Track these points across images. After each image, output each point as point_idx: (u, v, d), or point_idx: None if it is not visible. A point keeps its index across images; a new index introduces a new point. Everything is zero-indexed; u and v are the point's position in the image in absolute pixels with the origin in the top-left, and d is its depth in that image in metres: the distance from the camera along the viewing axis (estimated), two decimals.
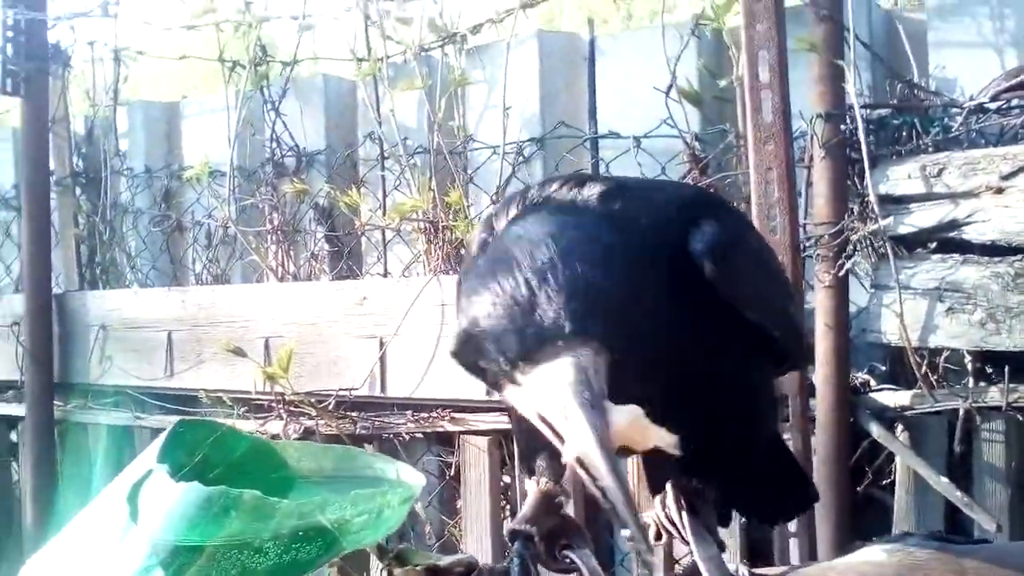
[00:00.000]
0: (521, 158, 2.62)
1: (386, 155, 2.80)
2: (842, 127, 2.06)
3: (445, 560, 0.97)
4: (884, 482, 2.11)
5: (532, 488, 1.11)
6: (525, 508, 1.10)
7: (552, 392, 0.83)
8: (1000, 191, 1.93)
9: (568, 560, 1.05)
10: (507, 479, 2.61)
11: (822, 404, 2.04)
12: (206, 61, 3.12)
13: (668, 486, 1.15)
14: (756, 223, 1.95)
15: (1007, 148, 1.96)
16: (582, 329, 0.83)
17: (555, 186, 1.05)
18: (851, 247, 2.04)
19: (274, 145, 3.00)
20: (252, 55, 2.94)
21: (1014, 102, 2.00)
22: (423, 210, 2.58)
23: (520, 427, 1.11)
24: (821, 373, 2.04)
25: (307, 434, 2.78)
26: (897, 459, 2.08)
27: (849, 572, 0.96)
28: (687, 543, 1.09)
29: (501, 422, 2.51)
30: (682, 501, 1.12)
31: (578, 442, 0.82)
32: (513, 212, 1.05)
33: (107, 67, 3.38)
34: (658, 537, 1.15)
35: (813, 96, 2.09)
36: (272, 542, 0.90)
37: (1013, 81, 1.98)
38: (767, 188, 1.90)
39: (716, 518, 1.14)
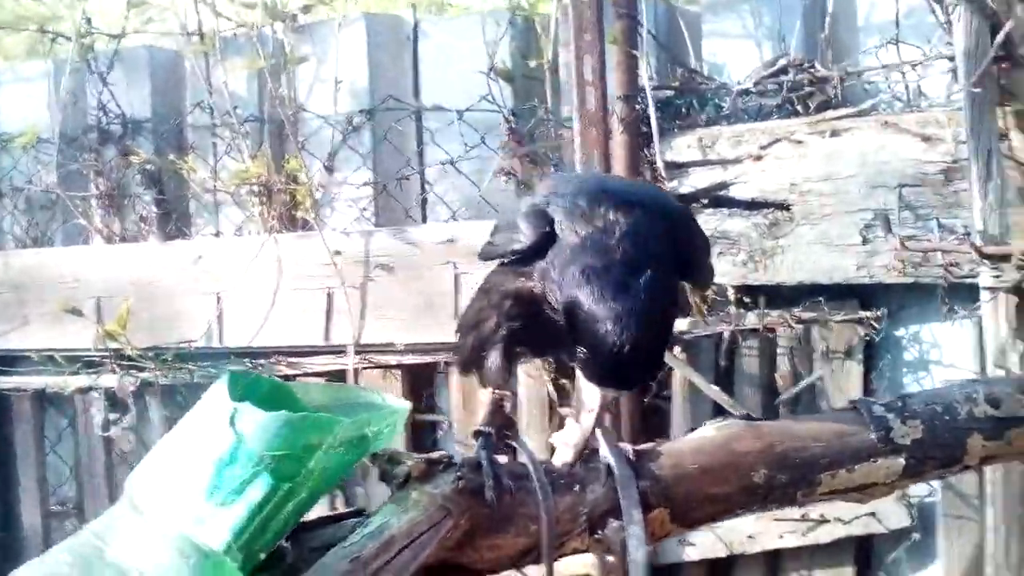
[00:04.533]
0: (351, 127, 2.89)
1: (218, 123, 2.99)
2: (636, 107, 2.49)
3: (435, 455, 1.29)
4: (665, 393, 2.56)
5: (486, 396, 1.42)
6: (484, 412, 1.42)
7: None
8: (759, 158, 2.42)
9: (510, 447, 1.40)
10: None
11: None
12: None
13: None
14: None
15: (765, 124, 2.45)
16: None
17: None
18: None
19: (100, 113, 3.10)
20: (78, 27, 3.04)
21: (770, 86, 2.49)
22: (261, 175, 2.80)
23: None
24: None
25: (145, 386, 2.94)
26: (675, 373, 2.53)
27: (694, 443, 1.36)
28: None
29: (336, 363, 2.79)
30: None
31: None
32: None
33: None
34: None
35: (614, 81, 2.50)
36: (336, 446, 1.25)
37: (770, 70, 2.47)
38: (590, 165, 2.31)
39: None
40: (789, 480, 1.34)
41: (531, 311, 1.34)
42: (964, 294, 2.28)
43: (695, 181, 2.48)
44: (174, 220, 3.08)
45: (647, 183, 1.39)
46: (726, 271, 2.44)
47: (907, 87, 2.39)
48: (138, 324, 2.91)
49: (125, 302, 2.86)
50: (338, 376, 2.80)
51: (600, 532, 1.29)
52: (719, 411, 2.48)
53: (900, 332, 2.39)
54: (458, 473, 1.24)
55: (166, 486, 1.25)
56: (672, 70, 2.60)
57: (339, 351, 2.77)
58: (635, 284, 1.18)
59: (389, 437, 1.33)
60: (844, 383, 2.40)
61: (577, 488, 1.29)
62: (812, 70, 2.42)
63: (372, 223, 2.89)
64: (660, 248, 1.26)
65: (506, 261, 1.34)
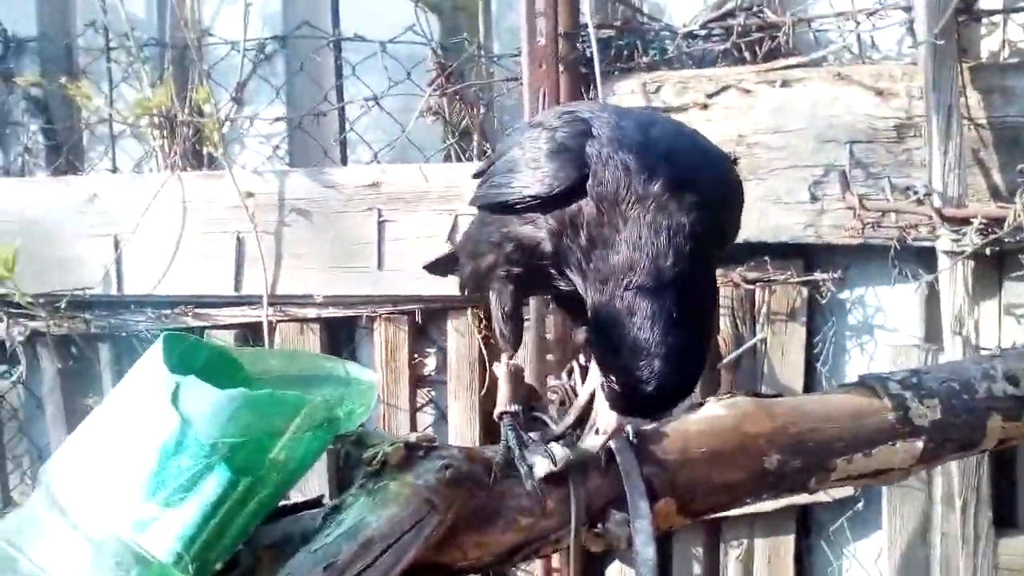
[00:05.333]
0: (262, 56, 2.65)
1: (114, 46, 2.71)
2: (577, 45, 2.31)
3: (413, 437, 1.11)
4: None
5: (502, 371, 1.26)
6: (503, 390, 1.26)
7: None
8: (705, 107, 2.28)
9: (538, 419, 1.25)
10: None
11: None
12: None
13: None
14: None
15: (712, 70, 2.31)
16: None
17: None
18: None
19: None
20: None
21: (716, 30, 2.34)
22: (164, 106, 2.55)
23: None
24: None
25: (35, 335, 2.70)
26: None
27: (702, 423, 1.24)
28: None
29: (248, 315, 2.59)
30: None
31: None
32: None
33: None
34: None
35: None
36: (304, 430, 1.06)
37: (717, 12, 2.31)
38: (538, 105, 2.13)
39: None
40: (803, 466, 1.24)
41: (534, 263, 1.19)
42: (910, 257, 2.20)
43: None
44: (64, 153, 2.80)
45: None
46: None
47: (859, 38, 2.27)
48: (27, 268, 2.63)
49: (12, 243, 2.60)
50: (253, 329, 2.61)
51: (601, 526, 1.17)
52: None
53: (844, 295, 2.30)
54: (445, 461, 1.09)
55: (96, 480, 1.04)
56: (613, 9, 2.42)
57: (251, 302, 2.57)
58: (687, 317, 1.02)
59: (361, 417, 1.15)
60: (787, 345, 2.31)
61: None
62: (762, 15, 2.28)
63: (286, 163, 2.67)
64: (713, 249, 1.11)
65: (519, 207, 1.15)
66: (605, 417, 1.09)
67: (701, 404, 1.27)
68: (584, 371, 1.25)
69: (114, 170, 2.77)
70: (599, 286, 1.06)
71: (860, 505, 2.27)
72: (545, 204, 1.13)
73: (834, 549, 2.35)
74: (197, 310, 2.63)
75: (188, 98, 2.62)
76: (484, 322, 2.43)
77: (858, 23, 2.24)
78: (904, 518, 2.22)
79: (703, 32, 2.33)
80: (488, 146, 2.49)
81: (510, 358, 1.27)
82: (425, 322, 2.53)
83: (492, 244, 1.22)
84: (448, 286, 2.42)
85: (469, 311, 2.45)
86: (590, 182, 1.10)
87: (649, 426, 1.21)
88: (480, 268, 1.26)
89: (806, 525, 2.35)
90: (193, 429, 1.00)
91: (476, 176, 1.34)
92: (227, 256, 2.56)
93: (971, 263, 2.04)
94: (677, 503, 1.19)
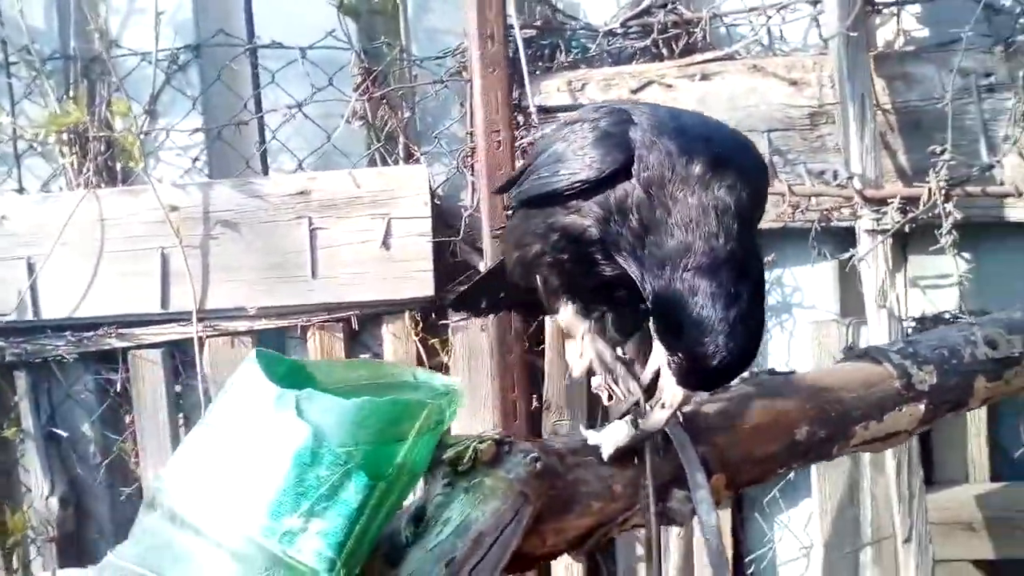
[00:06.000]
0: (175, 66, 2.59)
1: (13, 60, 2.60)
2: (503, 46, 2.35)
3: (495, 434, 1.15)
4: (539, 347, 2.48)
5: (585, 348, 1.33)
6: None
7: None
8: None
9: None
10: (179, 388, 2.64)
11: None
12: None
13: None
14: (482, 139, 2.21)
15: (634, 67, 2.39)
16: None
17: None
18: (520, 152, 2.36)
19: None
20: None
21: (633, 28, 2.42)
22: (80, 122, 2.47)
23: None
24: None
25: None
26: (547, 326, 2.46)
27: (738, 403, 1.33)
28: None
29: (176, 332, 2.53)
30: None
31: None
32: None
33: None
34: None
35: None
36: (423, 433, 1.10)
37: (636, 10, 2.40)
38: (489, 108, 2.17)
39: None
40: (827, 435, 1.34)
41: (581, 250, 1.24)
42: (827, 237, 2.33)
43: None
44: None
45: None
46: None
47: (770, 31, 2.39)
48: None
49: None
50: (178, 346, 2.55)
51: (663, 504, 1.23)
52: None
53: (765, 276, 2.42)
54: (533, 453, 1.13)
55: (227, 497, 1.05)
56: (531, 9, 2.48)
57: (180, 319, 2.51)
58: (743, 291, 1.09)
59: (454, 419, 1.20)
60: None
61: (636, 460, 1.23)
62: (677, 12, 2.38)
63: (205, 175, 2.62)
64: (754, 224, 1.17)
65: (565, 193, 1.21)
66: (671, 391, 1.15)
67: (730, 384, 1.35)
68: (626, 364, 1.31)
69: (20, 190, 2.67)
70: (657, 271, 1.12)
71: (792, 475, 2.39)
72: (593, 188, 1.19)
73: (768, 520, 2.46)
74: (121, 330, 2.56)
75: (98, 112, 2.56)
76: (420, 324, 2.46)
77: (769, 17, 2.36)
78: (833, 483, 2.36)
79: (622, 30, 2.40)
80: (415, 148, 2.51)
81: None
82: (360, 328, 2.53)
83: (537, 235, 1.28)
84: (383, 290, 2.45)
85: (406, 315, 2.46)
86: (636, 166, 1.16)
87: (688, 407, 1.27)
88: (527, 256, 1.31)
89: (739, 500, 2.46)
90: (325, 439, 1.02)
91: (505, 187, 1.40)
92: (152, 273, 2.50)
93: (889, 240, 2.18)
94: (727, 478, 1.27)
